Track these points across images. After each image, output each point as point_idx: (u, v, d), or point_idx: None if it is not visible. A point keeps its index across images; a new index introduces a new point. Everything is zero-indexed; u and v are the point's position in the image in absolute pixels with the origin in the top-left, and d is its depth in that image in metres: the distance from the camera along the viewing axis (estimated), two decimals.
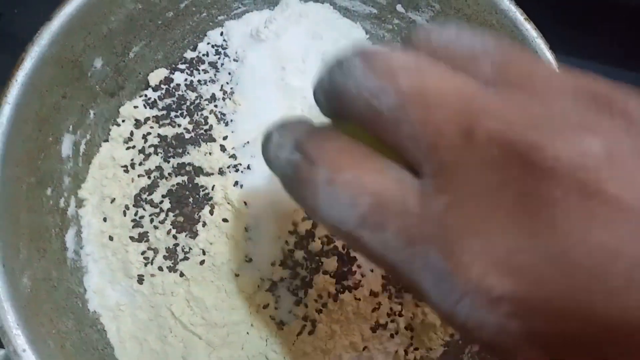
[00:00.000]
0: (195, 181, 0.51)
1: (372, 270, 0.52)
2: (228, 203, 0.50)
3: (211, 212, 0.50)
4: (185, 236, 0.50)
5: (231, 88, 0.56)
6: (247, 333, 0.50)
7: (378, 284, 0.52)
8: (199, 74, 0.58)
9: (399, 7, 0.58)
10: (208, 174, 0.51)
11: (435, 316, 0.54)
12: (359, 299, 0.51)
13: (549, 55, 0.51)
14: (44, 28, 0.48)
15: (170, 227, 0.50)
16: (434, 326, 0.54)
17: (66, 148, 0.53)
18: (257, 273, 0.50)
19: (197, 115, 0.55)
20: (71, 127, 0.53)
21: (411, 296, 0.53)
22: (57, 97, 0.51)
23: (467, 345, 0.54)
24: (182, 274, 0.50)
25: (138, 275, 0.51)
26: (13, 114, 0.47)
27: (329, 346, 0.52)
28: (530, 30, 0.51)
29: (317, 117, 0.54)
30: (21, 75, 0.47)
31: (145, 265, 0.51)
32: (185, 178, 0.52)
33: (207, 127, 0.54)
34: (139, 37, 0.56)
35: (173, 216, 0.51)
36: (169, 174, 0.52)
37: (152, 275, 0.51)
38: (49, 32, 0.48)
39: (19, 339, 0.44)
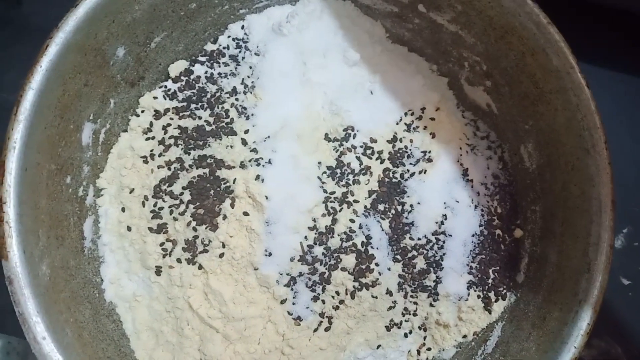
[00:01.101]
0: (217, 174, 0.51)
1: (389, 269, 0.52)
2: (249, 197, 0.50)
3: (232, 205, 0.50)
4: (206, 228, 0.50)
5: (252, 82, 0.56)
6: (264, 327, 0.51)
7: (394, 283, 0.53)
8: (220, 67, 0.58)
9: (421, 7, 0.58)
10: (229, 167, 0.51)
11: (449, 316, 0.54)
12: (376, 297, 0.51)
13: (571, 59, 0.51)
14: (69, 14, 0.48)
15: (190, 219, 0.50)
16: (447, 326, 0.55)
17: (86, 136, 0.53)
18: (276, 267, 0.50)
19: (218, 108, 0.55)
20: (92, 115, 0.53)
21: (426, 295, 0.53)
22: (80, 85, 0.51)
23: (480, 347, 0.55)
24: (200, 267, 0.50)
25: (156, 266, 0.51)
26: (36, 99, 0.47)
27: (344, 343, 0.52)
28: (553, 34, 0.51)
29: (336, 113, 0.55)
30: (45, 61, 0.47)
31: (164, 256, 0.51)
32: (206, 170, 0.51)
33: (228, 120, 0.54)
34: (161, 27, 0.55)
35: (193, 208, 0.51)
36: (190, 166, 0.52)
37: (171, 266, 0.51)
38: (74, 19, 0.48)
39: (39, 327, 0.44)
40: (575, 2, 0.69)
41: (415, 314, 0.54)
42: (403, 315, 0.53)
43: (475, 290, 0.54)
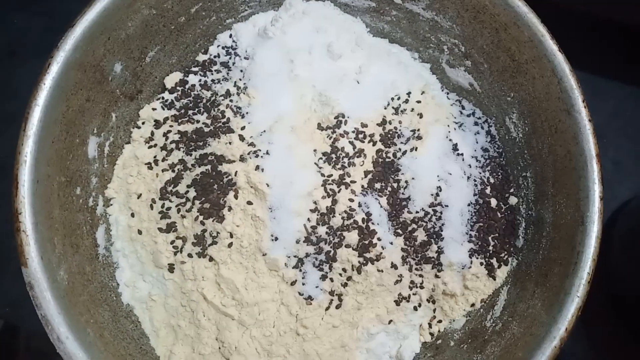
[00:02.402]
0: (219, 169, 0.54)
1: (391, 243, 0.54)
2: (251, 187, 0.53)
3: (236, 197, 0.53)
4: (213, 221, 0.52)
5: (244, 83, 0.59)
6: (277, 310, 0.52)
7: (398, 256, 0.54)
8: (212, 74, 0.61)
9: None
10: (230, 161, 0.54)
11: (455, 286, 0.56)
12: (381, 271, 0.53)
13: (542, 28, 0.53)
14: (67, 33, 0.51)
15: (197, 214, 0.53)
16: (454, 296, 0.56)
17: (92, 149, 0.55)
18: (283, 251, 0.52)
19: (214, 110, 0.57)
20: (95, 129, 0.56)
21: (430, 267, 0.55)
22: (82, 101, 0.54)
23: (489, 312, 0.56)
24: (211, 259, 0.52)
25: (168, 264, 0.53)
26: (42, 115, 0.50)
27: (355, 319, 0.54)
28: (522, 6, 0.54)
29: (326, 104, 0.57)
30: (48, 79, 0.50)
31: (175, 254, 0.53)
32: (208, 167, 0.54)
33: (224, 120, 0.56)
34: (154, 42, 0.59)
35: (199, 203, 0.53)
36: (192, 165, 0.55)
37: (182, 262, 0.53)
38: (73, 38, 0.51)
39: (62, 327, 0.46)
40: (575, 14, 0.73)
41: (422, 287, 0.55)
42: (410, 288, 0.55)
43: (477, 258, 0.56)
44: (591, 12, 0.74)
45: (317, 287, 0.53)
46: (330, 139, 0.56)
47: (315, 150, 0.55)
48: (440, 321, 0.57)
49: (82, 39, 0.52)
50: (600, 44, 0.78)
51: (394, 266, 0.54)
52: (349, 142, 0.56)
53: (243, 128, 0.55)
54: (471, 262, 0.56)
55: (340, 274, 0.53)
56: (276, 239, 0.52)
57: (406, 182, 0.56)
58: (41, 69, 0.50)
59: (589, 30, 0.77)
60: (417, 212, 0.55)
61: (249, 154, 0.54)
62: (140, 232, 0.55)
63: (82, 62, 0.53)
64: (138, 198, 0.55)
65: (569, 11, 0.72)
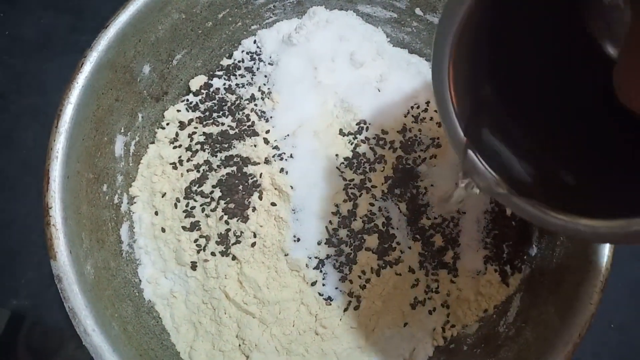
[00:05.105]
0: (244, 170, 0.55)
1: (409, 248, 0.55)
2: (275, 188, 0.54)
3: (260, 198, 0.54)
4: (237, 221, 0.54)
5: (268, 88, 0.60)
6: (297, 310, 0.54)
7: (415, 261, 0.56)
8: (236, 78, 0.63)
9: (418, 11, 0.64)
10: (255, 163, 0.55)
11: (470, 292, 0.57)
12: (399, 274, 0.55)
13: None
14: (101, 34, 0.53)
15: (222, 214, 0.54)
16: (468, 302, 0.57)
17: (118, 148, 0.57)
18: (304, 252, 0.54)
19: (239, 114, 0.59)
20: (122, 128, 0.57)
21: (446, 272, 0.57)
22: (112, 100, 0.55)
23: (502, 318, 0.57)
24: (234, 257, 0.54)
25: (191, 262, 0.55)
26: (74, 113, 0.51)
27: (372, 321, 0.55)
28: None
29: (348, 110, 0.59)
30: (81, 78, 0.52)
31: (198, 252, 0.55)
32: (234, 168, 0.55)
33: (249, 123, 0.58)
34: (182, 45, 0.60)
35: (224, 203, 0.54)
36: (218, 166, 0.56)
37: (206, 260, 0.54)
38: (106, 39, 0.53)
39: (88, 320, 0.47)
40: None
41: (437, 291, 0.57)
42: (426, 292, 0.56)
43: (492, 265, 0.57)
44: None
45: (336, 288, 0.54)
46: (351, 144, 0.58)
47: (337, 155, 0.57)
48: (453, 326, 0.58)
49: (114, 40, 0.53)
50: None
51: (411, 270, 0.55)
52: (370, 148, 0.57)
53: (268, 132, 0.57)
54: (485, 269, 0.57)
55: (360, 276, 0.54)
56: (298, 239, 0.53)
57: (425, 188, 0.57)
58: (68, 66, 0.52)
59: None
60: (435, 218, 0.56)
61: (273, 156, 0.55)
62: (163, 230, 0.56)
63: (113, 63, 0.54)
64: (162, 197, 0.57)
65: None
